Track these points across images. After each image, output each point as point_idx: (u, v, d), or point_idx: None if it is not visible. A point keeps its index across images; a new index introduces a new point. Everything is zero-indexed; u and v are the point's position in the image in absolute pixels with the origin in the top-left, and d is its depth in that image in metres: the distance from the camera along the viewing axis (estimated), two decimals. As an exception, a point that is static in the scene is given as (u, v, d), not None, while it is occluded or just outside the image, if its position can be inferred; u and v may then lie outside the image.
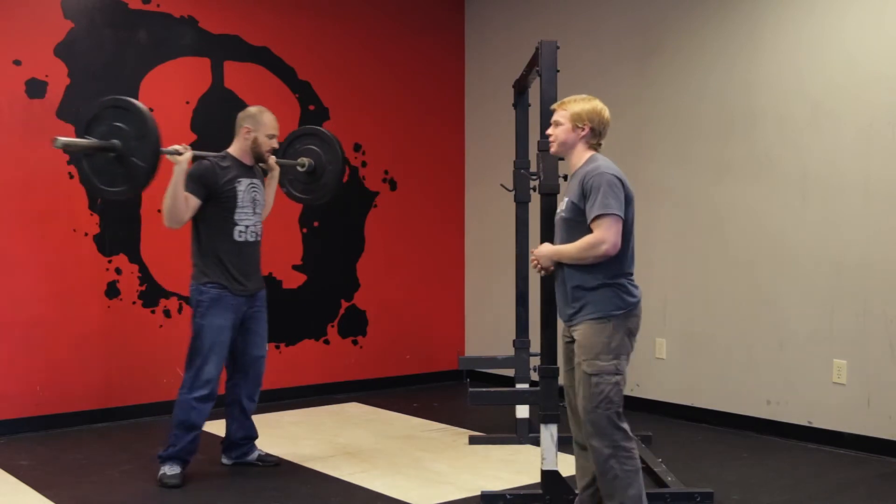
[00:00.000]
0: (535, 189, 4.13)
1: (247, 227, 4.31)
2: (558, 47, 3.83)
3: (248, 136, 4.32)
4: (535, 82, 4.26)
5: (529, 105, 5.01)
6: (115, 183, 3.99)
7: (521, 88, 4.98)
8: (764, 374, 5.19)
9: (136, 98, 5.58)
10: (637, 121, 5.79)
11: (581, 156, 3.40)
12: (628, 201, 3.28)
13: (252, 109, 4.39)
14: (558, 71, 3.80)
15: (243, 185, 4.29)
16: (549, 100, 3.74)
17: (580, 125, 3.36)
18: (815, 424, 4.97)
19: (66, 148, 3.88)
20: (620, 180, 3.25)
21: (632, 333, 3.28)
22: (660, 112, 5.71)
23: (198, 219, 4.22)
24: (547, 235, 3.62)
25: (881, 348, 4.70)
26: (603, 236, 3.19)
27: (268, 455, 4.61)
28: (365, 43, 6.54)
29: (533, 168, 4.63)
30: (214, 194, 4.19)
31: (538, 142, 3.77)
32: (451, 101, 7.03)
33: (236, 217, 4.26)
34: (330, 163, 4.79)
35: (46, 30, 5.30)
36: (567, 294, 3.35)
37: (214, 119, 5.88)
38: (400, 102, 6.69)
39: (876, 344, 4.72)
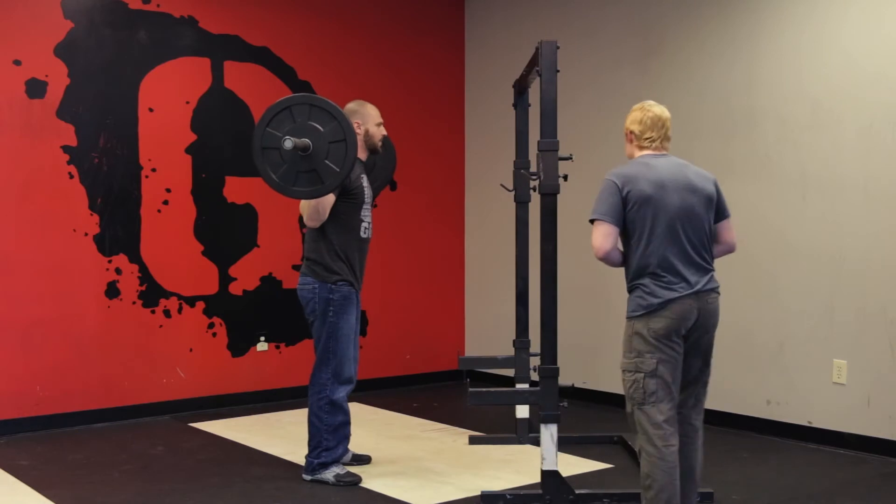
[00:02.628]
0: (535, 189, 4.12)
1: (369, 223, 4.29)
2: (558, 47, 3.83)
3: (359, 130, 4.22)
4: (535, 82, 4.26)
5: (529, 105, 5.01)
6: (298, 182, 3.86)
7: (521, 88, 4.98)
8: (764, 374, 5.19)
9: (136, 98, 5.61)
10: (637, 121, 5.77)
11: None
12: (642, 201, 3.24)
13: (353, 105, 4.29)
14: (558, 71, 3.80)
15: (365, 181, 4.27)
16: (549, 100, 3.74)
17: (626, 134, 3.44)
18: (815, 424, 4.97)
19: (293, 148, 3.78)
20: (616, 183, 3.26)
21: (658, 334, 3.20)
22: (660, 112, 5.70)
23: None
24: (547, 235, 3.62)
25: (881, 348, 4.70)
26: (592, 241, 3.29)
27: (360, 454, 4.60)
28: (365, 43, 6.54)
29: (533, 168, 4.63)
30: (345, 191, 4.12)
31: (538, 142, 3.77)
32: (451, 101, 7.02)
33: (362, 214, 4.23)
34: (380, 158, 4.71)
35: (46, 30, 5.30)
36: None
37: (214, 119, 5.88)
38: (400, 102, 6.69)
39: (876, 344, 4.72)
